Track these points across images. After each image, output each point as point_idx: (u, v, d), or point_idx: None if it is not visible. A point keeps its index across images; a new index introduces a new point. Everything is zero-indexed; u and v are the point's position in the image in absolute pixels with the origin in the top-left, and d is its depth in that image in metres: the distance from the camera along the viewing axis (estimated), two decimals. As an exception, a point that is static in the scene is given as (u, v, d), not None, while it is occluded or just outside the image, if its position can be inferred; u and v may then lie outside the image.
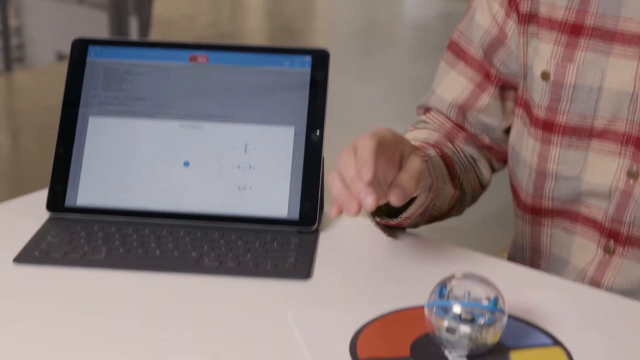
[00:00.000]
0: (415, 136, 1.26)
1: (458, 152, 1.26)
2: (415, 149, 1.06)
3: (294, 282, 1.08)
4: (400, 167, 1.02)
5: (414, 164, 1.02)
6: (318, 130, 1.22)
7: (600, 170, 1.15)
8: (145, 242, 1.16)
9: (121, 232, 1.18)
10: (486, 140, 1.26)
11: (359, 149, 0.97)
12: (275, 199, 1.20)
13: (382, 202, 1.00)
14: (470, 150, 1.28)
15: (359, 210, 0.94)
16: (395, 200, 0.99)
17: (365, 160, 0.94)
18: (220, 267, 1.10)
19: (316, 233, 1.20)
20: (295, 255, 1.13)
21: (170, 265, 1.11)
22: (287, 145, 1.22)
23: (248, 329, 0.98)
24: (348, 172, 0.96)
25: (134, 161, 1.23)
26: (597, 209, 1.17)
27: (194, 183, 1.22)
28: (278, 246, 1.15)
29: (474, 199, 1.30)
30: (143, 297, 1.04)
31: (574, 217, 1.20)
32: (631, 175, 1.12)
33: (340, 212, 0.96)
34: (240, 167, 1.22)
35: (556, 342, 0.95)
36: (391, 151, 1.01)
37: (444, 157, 1.21)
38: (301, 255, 1.13)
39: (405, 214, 1.11)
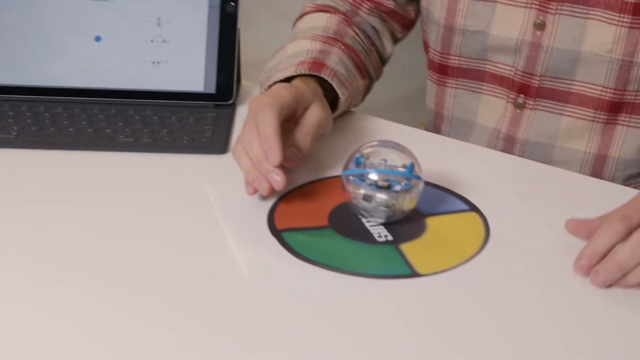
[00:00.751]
0: (313, 24, 1.21)
1: (358, 36, 1.23)
2: (317, 97, 1.04)
3: (210, 157, 1.07)
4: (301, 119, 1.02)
5: (311, 116, 1.01)
6: (233, 2, 1.19)
7: (506, 22, 1.15)
8: (58, 120, 1.13)
9: (33, 111, 1.14)
10: (391, 4, 1.24)
11: (261, 128, 0.94)
12: (191, 73, 1.18)
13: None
14: (374, 21, 1.25)
15: (271, 191, 0.93)
16: (291, 166, 0.98)
17: (270, 145, 0.92)
18: (135, 143, 1.08)
19: (233, 107, 1.18)
20: (212, 129, 1.11)
21: (85, 143, 1.08)
22: (201, 18, 1.19)
23: (165, 204, 0.96)
24: (253, 152, 0.94)
25: (44, 37, 1.19)
26: (505, 66, 1.18)
27: (106, 58, 1.18)
28: (194, 121, 1.13)
29: (377, 78, 1.29)
30: (57, 176, 1.02)
31: (479, 76, 1.21)
32: (537, 26, 1.13)
33: (255, 191, 0.95)
34: (154, 41, 1.19)
35: (472, 208, 0.96)
36: (292, 112, 1.00)
37: (349, 52, 1.18)
38: (218, 130, 1.11)
39: None
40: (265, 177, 0.93)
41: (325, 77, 1.08)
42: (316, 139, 1.02)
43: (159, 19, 1.19)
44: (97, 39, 1.19)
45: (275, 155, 0.92)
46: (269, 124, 0.94)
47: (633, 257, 0.82)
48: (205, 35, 1.18)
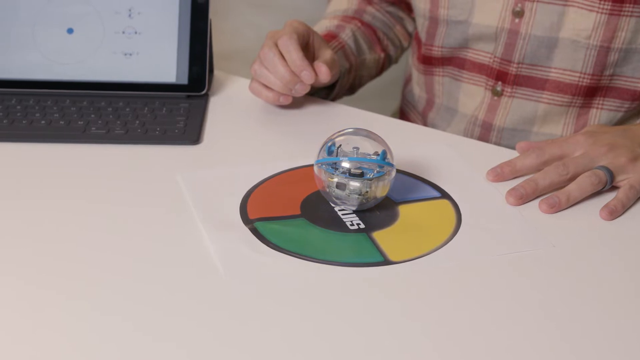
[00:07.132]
0: (336, 7, 1.33)
1: (379, 12, 1.33)
2: (324, 40, 1.16)
3: (183, 148, 1.07)
4: (313, 56, 1.15)
5: (326, 54, 1.14)
6: (204, -7, 1.19)
7: (486, 11, 1.17)
8: (29, 112, 1.12)
9: (4, 104, 1.14)
10: None
11: (286, 53, 1.09)
12: (163, 64, 1.18)
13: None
14: (391, 9, 1.36)
15: (314, 77, 1.08)
16: (325, 76, 1.10)
17: (304, 67, 1.08)
18: (107, 135, 1.08)
19: (206, 97, 1.18)
20: (185, 120, 1.11)
21: (57, 135, 1.08)
22: (172, 9, 1.18)
23: (138, 195, 0.96)
24: (278, 70, 1.09)
25: (14, 29, 1.18)
26: (484, 53, 1.20)
27: (78, 50, 1.18)
28: (167, 112, 1.13)
29: (407, 47, 1.39)
30: (30, 169, 1.02)
31: (460, 63, 1.23)
32: (516, 14, 1.14)
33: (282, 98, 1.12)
34: (126, 33, 1.18)
35: (444, 195, 0.97)
36: (306, 41, 1.13)
37: (365, 29, 1.29)
38: (191, 120, 1.11)
39: (331, 96, 1.22)
40: (299, 75, 1.08)
41: (332, 48, 1.18)
42: (332, 73, 1.13)
43: (130, 10, 1.18)
44: (69, 31, 1.18)
45: (310, 74, 1.08)
46: (293, 49, 1.08)
47: (545, 177, 0.96)
48: (176, 26, 1.18)
